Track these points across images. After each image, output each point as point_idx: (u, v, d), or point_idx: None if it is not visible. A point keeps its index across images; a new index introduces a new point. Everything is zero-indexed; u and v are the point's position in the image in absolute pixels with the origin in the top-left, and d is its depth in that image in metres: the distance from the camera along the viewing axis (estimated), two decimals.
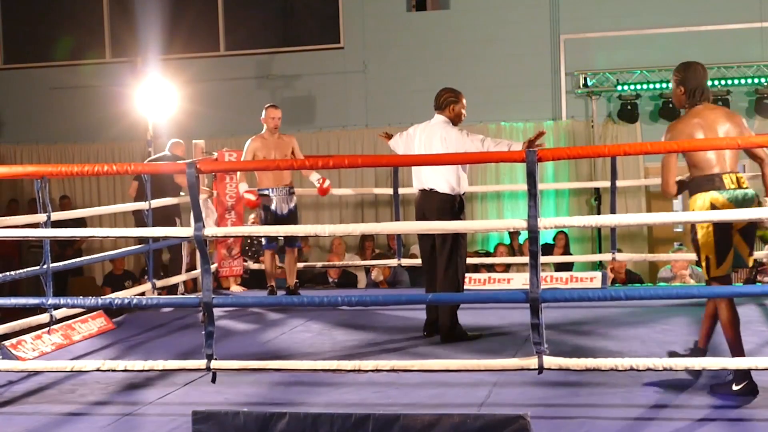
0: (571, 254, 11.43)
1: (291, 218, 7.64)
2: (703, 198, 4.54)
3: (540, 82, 12.49)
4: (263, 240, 7.90)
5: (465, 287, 7.66)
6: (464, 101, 6.17)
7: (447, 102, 6.11)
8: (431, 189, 6.07)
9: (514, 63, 12.50)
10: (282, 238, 7.92)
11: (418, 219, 6.15)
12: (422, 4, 12.80)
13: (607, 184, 8.27)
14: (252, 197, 7.50)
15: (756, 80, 11.72)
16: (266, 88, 13.21)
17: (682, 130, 4.61)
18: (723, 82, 11.75)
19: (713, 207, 4.50)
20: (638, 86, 11.98)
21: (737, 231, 4.57)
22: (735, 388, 4.48)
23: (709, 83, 11.44)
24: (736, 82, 11.73)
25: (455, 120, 6.11)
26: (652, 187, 12.36)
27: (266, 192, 7.58)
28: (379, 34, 12.94)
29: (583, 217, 4.73)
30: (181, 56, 13.28)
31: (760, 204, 4.60)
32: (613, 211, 8.08)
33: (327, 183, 7.66)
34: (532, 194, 4.36)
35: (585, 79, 12.18)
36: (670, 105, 11.90)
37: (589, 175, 12.30)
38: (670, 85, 11.55)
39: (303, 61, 13.13)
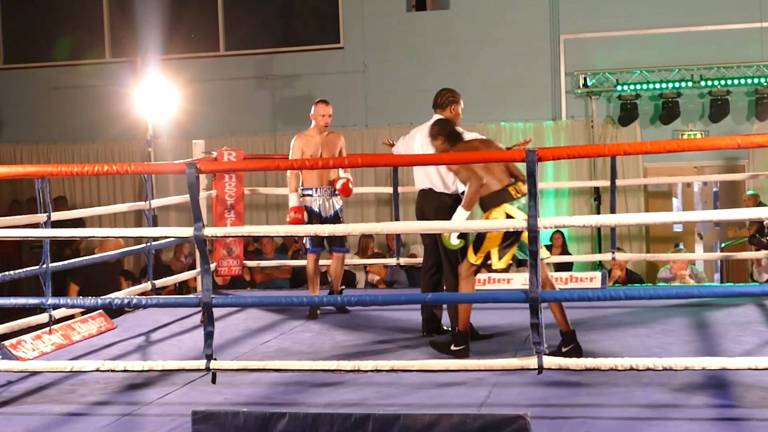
0: (569, 254, 11.42)
1: (337, 221, 7.10)
2: (501, 209, 5.33)
3: (540, 82, 12.49)
4: (307, 243, 7.26)
5: None
6: (462, 103, 6.23)
7: (448, 101, 6.13)
8: (429, 189, 6.11)
9: (514, 63, 12.49)
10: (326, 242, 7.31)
11: (418, 218, 6.18)
12: (422, 4, 12.80)
13: (607, 183, 8.27)
14: (299, 216, 6.93)
15: (756, 80, 11.71)
16: (266, 88, 13.21)
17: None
18: (723, 82, 11.74)
19: (508, 216, 5.28)
20: (638, 86, 11.97)
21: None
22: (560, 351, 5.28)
23: (709, 83, 11.64)
24: (736, 82, 11.72)
25: (454, 119, 6.11)
26: (651, 186, 12.39)
27: (309, 192, 7.07)
28: (379, 34, 12.94)
29: (583, 217, 4.73)
30: (181, 56, 13.28)
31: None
32: (612, 210, 8.08)
33: (343, 183, 7.01)
34: (532, 194, 4.36)
35: (585, 79, 12.18)
36: (670, 105, 11.92)
37: (589, 174, 12.31)
38: (671, 85, 11.75)
39: (303, 61, 13.12)
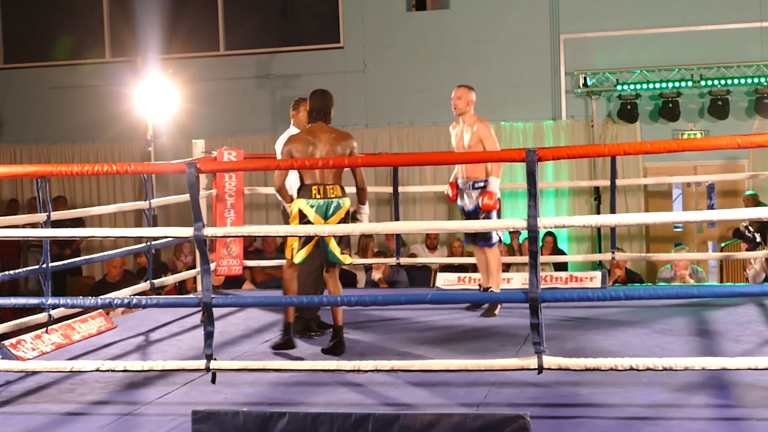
0: (564, 253, 11.43)
1: (476, 216, 6.81)
2: (296, 203, 5.66)
3: (540, 81, 12.49)
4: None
5: (464, 286, 7.74)
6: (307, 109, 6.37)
7: (293, 106, 6.69)
8: None
9: (514, 63, 12.49)
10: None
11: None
12: (422, 3, 12.80)
13: (607, 183, 8.28)
14: (450, 191, 6.93)
15: (756, 80, 11.71)
16: (266, 87, 13.22)
17: (297, 140, 5.78)
18: (723, 82, 11.74)
19: (300, 211, 5.60)
20: (638, 86, 11.98)
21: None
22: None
23: (709, 83, 11.65)
24: (736, 82, 11.72)
25: (297, 126, 6.52)
26: (651, 186, 12.39)
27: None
28: (379, 34, 12.94)
29: (583, 217, 4.73)
30: (181, 56, 13.28)
31: (349, 213, 5.75)
32: (612, 210, 8.08)
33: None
34: (532, 194, 4.35)
35: (585, 78, 12.18)
36: (670, 105, 11.92)
37: (589, 174, 12.31)
38: (671, 85, 11.75)
39: (303, 61, 13.12)
